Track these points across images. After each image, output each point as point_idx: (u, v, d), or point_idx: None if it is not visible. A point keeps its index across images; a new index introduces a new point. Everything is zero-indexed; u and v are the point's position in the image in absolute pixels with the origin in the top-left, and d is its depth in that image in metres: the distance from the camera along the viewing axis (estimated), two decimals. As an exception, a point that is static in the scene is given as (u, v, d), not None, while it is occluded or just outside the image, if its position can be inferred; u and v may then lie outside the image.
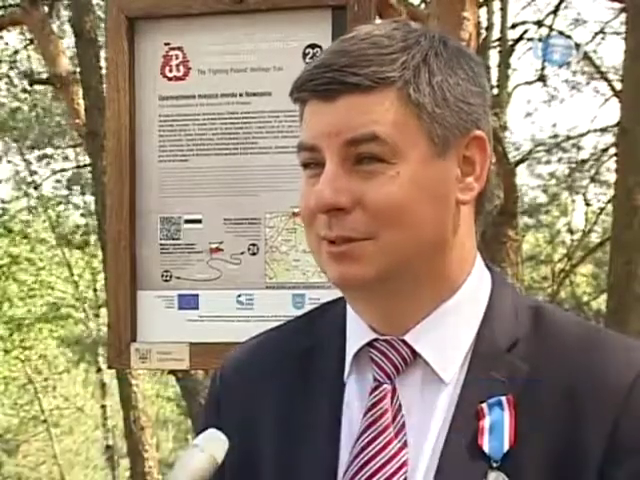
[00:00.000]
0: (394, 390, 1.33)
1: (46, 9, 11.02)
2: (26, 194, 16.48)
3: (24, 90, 13.58)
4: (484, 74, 1.37)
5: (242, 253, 2.32)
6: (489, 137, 1.34)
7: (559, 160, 13.82)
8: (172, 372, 10.93)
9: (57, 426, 20.34)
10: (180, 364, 2.35)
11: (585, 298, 14.22)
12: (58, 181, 15.96)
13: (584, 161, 13.31)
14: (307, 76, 1.31)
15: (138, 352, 2.36)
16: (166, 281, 2.36)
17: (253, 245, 2.32)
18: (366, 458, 1.31)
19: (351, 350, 1.37)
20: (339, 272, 1.29)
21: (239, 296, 2.32)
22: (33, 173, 16.29)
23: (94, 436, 21.01)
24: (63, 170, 15.76)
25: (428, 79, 1.29)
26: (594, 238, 14.08)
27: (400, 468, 1.29)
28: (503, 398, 1.29)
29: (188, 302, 2.35)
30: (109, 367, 2.45)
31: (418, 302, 1.33)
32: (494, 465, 1.27)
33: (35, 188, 16.26)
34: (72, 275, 18.01)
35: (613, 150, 11.44)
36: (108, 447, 18.46)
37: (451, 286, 1.34)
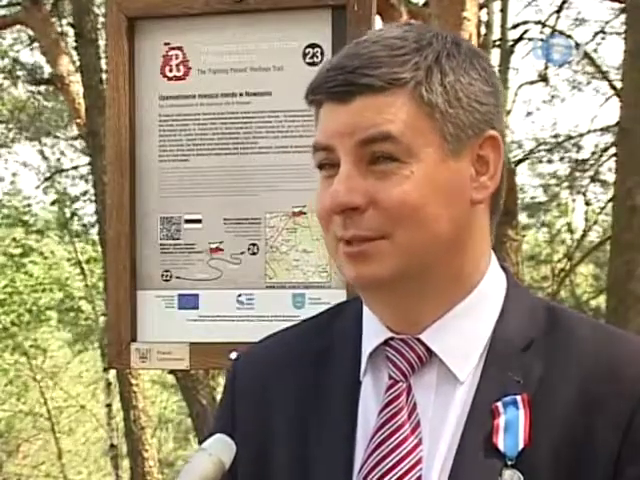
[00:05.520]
0: (409, 388, 1.34)
1: (48, 9, 11.03)
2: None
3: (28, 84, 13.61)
4: (496, 74, 1.39)
5: (242, 253, 2.32)
6: (503, 136, 1.36)
7: (561, 159, 13.83)
8: (172, 372, 10.94)
9: (58, 424, 20.32)
10: (180, 364, 2.35)
11: (585, 297, 14.22)
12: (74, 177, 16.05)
13: (584, 160, 13.31)
14: (321, 79, 1.33)
15: (138, 352, 2.36)
16: (166, 281, 2.36)
17: (253, 245, 2.32)
18: (381, 455, 1.32)
19: (367, 349, 1.38)
20: (356, 272, 1.30)
21: (239, 296, 2.32)
22: (52, 168, 16.36)
23: (95, 437, 20.99)
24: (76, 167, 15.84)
25: (440, 79, 1.30)
26: (594, 238, 14.09)
27: (415, 465, 1.30)
28: (518, 397, 1.30)
29: (188, 302, 2.35)
30: (109, 367, 2.45)
31: (434, 301, 1.34)
32: (509, 463, 1.28)
33: (46, 179, 16.31)
34: (83, 273, 18.02)
35: (613, 150, 11.44)
36: (112, 446, 18.45)
37: (467, 285, 1.35)
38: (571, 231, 14.79)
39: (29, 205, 17.47)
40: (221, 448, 1.28)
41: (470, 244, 1.34)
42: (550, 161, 14.20)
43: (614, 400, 1.29)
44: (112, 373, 15.81)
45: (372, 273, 1.30)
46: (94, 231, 15.44)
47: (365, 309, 1.40)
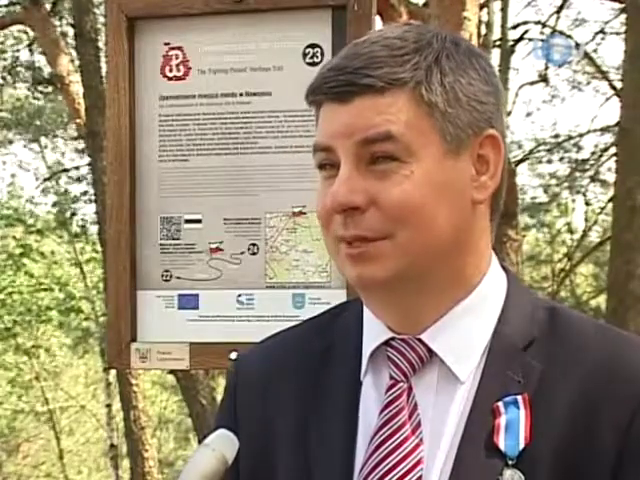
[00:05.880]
0: (410, 388, 1.34)
1: (48, 8, 11.03)
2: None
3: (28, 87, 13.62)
4: (496, 74, 1.39)
5: (242, 253, 2.32)
6: (503, 135, 1.36)
7: (560, 159, 13.83)
8: (172, 372, 10.94)
9: (59, 424, 20.33)
10: (180, 364, 2.35)
11: (585, 297, 14.23)
12: (75, 178, 16.04)
13: (584, 161, 13.32)
14: (321, 79, 1.33)
15: (138, 352, 2.36)
16: (166, 281, 2.36)
17: (253, 245, 2.32)
18: (382, 455, 1.32)
19: (368, 349, 1.38)
20: (357, 273, 1.30)
21: (239, 296, 2.32)
22: (52, 168, 16.36)
23: (95, 437, 21.00)
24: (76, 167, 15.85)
25: (440, 79, 1.30)
26: (594, 238, 14.09)
27: (416, 465, 1.30)
28: (519, 397, 1.30)
29: (188, 302, 2.35)
30: (109, 367, 2.45)
31: (435, 301, 1.34)
32: (510, 463, 1.28)
33: (46, 180, 16.32)
34: (83, 274, 18.02)
35: (613, 150, 11.45)
36: (112, 446, 18.45)
37: (467, 285, 1.35)
38: (571, 231, 14.80)
39: (31, 202, 17.51)
40: (224, 443, 1.28)
41: (471, 244, 1.34)
42: (550, 161, 14.21)
43: (614, 401, 1.29)
44: (112, 373, 15.82)
45: (373, 274, 1.30)
46: (94, 231, 15.45)
47: (366, 309, 1.40)
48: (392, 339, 1.36)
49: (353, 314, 1.43)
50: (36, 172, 17.35)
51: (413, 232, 1.28)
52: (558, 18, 12.18)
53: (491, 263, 1.38)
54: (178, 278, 2.36)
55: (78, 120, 10.99)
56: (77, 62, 10.81)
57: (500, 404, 1.30)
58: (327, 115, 1.32)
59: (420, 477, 1.30)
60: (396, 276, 1.29)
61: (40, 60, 13.02)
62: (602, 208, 12.95)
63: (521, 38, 11.99)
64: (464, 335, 1.34)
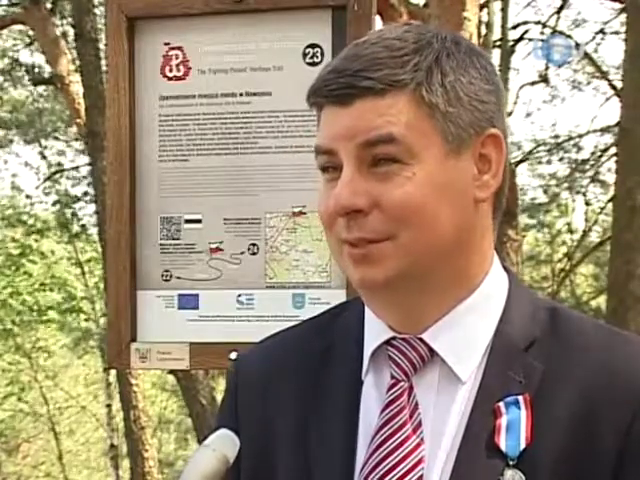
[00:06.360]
0: (411, 388, 1.34)
1: (48, 6, 11.03)
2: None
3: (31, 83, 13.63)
4: (497, 72, 1.38)
5: (242, 253, 2.32)
6: (505, 134, 1.36)
7: (560, 160, 13.84)
8: (172, 372, 10.94)
9: (59, 425, 20.33)
10: (180, 364, 2.35)
11: (585, 298, 14.23)
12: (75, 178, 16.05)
13: (584, 161, 13.32)
14: (321, 82, 1.33)
15: (138, 352, 2.36)
16: (166, 281, 2.36)
17: (253, 245, 2.32)
18: (383, 454, 1.32)
19: (369, 349, 1.38)
20: (360, 275, 1.31)
21: (239, 296, 2.32)
22: (52, 168, 16.37)
23: (95, 437, 21.00)
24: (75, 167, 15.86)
25: (440, 80, 1.30)
26: (594, 238, 14.09)
27: (417, 465, 1.30)
28: (520, 397, 1.30)
29: (188, 302, 2.35)
30: (109, 367, 2.45)
31: (437, 301, 1.34)
32: (510, 463, 1.28)
33: (46, 180, 16.32)
34: (83, 274, 18.02)
35: (613, 150, 11.45)
36: (112, 446, 18.45)
37: (470, 285, 1.35)
38: (571, 231, 14.80)
39: (32, 204, 17.52)
40: (224, 444, 1.28)
41: (474, 243, 1.34)
42: (549, 162, 14.22)
43: (615, 402, 1.29)
44: (112, 373, 15.82)
45: (374, 276, 1.30)
46: (94, 231, 15.45)
47: (367, 309, 1.40)
48: (393, 338, 1.36)
49: (353, 314, 1.43)
50: (37, 172, 17.39)
51: (416, 232, 1.29)
52: (558, 18, 12.19)
53: (493, 263, 1.38)
54: (178, 278, 2.36)
55: (78, 120, 11.00)
56: (77, 62, 10.82)
57: (501, 404, 1.30)
58: (328, 118, 1.32)
59: (421, 477, 1.30)
60: (398, 276, 1.30)
61: (40, 60, 13.03)
62: (602, 208, 12.95)
63: (521, 38, 12.00)
64: (466, 335, 1.34)
